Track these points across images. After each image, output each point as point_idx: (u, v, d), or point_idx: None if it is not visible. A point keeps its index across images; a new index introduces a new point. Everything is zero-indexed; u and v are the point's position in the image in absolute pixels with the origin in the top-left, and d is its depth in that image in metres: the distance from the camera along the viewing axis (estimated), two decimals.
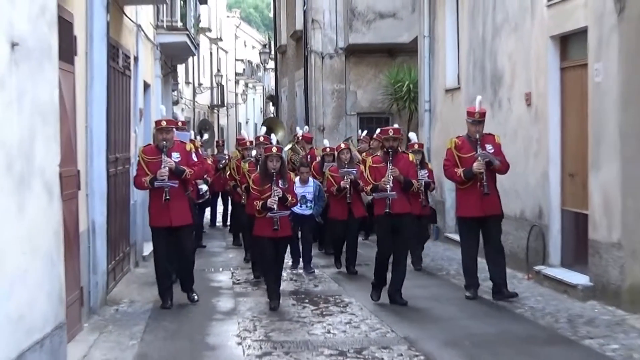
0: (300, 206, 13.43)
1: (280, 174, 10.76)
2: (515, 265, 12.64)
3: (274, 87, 34.79)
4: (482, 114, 11.04)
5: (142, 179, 10.85)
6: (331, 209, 14.15)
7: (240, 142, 15.58)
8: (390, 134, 11.02)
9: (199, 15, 27.32)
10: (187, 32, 19.77)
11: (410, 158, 11.28)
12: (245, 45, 64.39)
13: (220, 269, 14.95)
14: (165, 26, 18.81)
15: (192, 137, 15.46)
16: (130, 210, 13.86)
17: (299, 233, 13.98)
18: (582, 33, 11.17)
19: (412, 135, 13.70)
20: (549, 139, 12.22)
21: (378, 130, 15.67)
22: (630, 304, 9.91)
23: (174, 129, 11.30)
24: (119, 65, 12.86)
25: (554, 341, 9.00)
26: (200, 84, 46.64)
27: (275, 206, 10.61)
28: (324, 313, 10.84)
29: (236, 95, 59.81)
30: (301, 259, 14.20)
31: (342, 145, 14.22)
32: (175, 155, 10.87)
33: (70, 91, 9.28)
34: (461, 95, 16.17)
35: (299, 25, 25.31)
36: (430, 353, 8.57)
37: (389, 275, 11.14)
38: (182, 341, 9.42)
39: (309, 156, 16.63)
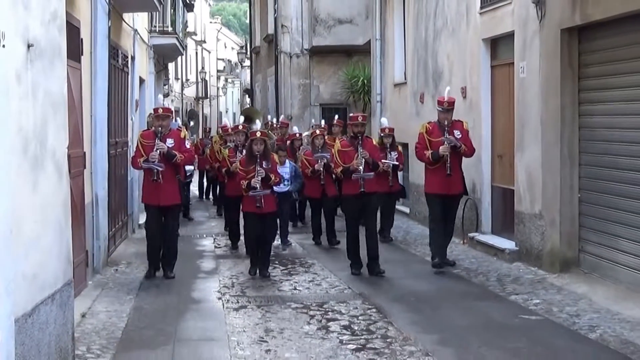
0: (279, 185, 12.85)
1: (263, 156, 10.21)
2: (454, 232, 12.58)
3: (249, 82, 34.58)
4: (451, 103, 10.41)
5: (137, 160, 10.32)
6: (306, 188, 13.47)
7: (223, 129, 15.20)
8: (359, 120, 10.49)
9: (187, 21, 27.05)
10: (176, 36, 19.59)
11: (374, 142, 10.91)
12: (225, 47, 63.94)
13: (204, 235, 14.84)
14: (157, 30, 18.61)
15: (180, 125, 15.01)
16: (128, 186, 13.70)
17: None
18: (509, 36, 11.12)
19: (383, 120, 13.13)
20: (482, 126, 12.16)
21: (337, 117, 15.52)
22: (550, 266, 9.91)
23: (170, 118, 10.76)
24: (118, 63, 12.70)
25: (485, 296, 9.00)
26: (187, 79, 46.26)
27: (258, 185, 10.07)
28: (291, 272, 10.79)
29: (217, 88, 59.51)
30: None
31: (317, 132, 13.42)
32: (170, 141, 10.18)
33: (78, 85, 9.19)
34: (407, 88, 16.05)
35: (270, 30, 25.06)
36: (381, 307, 8.54)
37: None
38: (171, 296, 9.36)
39: (287, 141, 15.71)
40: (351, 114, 11.27)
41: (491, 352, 6.75)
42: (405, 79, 16.36)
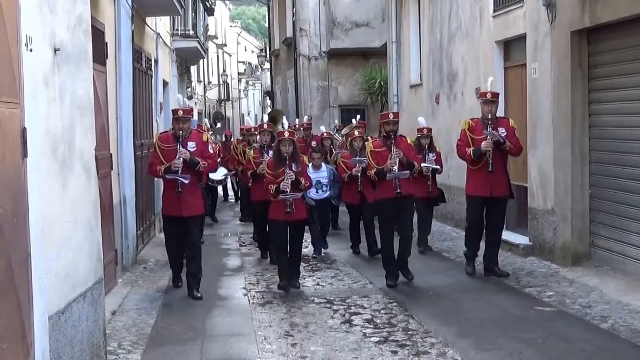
0: (317, 191, 11.72)
1: (292, 158, 9.17)
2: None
3: (269, 84, 34.63)
4: (495, 95, 9.44)
5: (157, 167, 9.03)
6: (344, 193, 12.14)
7: (245, 129, 14.05)
8: (391, 118, 9.44)
9: (207, 25, 27.15)
10: (198, 39, 19.73)
11: (408, 141, 9.71)
12: (245, 50, 64.09)
13: (229, 234, 14.88)
14: (179, 34, 18.75)
15: (199, 123, 14.21)
16: (154, 186, 13.85)
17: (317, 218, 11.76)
18: (521, 38, 11.13)
19: (421, 120, 11.69)
20: None
21: (358, 117, 14.16)
22: (562, 259, 9.95)
23: (191, 119, 9.45)
24: (142, 66, 12.78)
25: (501, 290, 9.04)
26: (209, 82, 46.39)
27: (288, 188, 8.99)
28: (314, 269, 10.86)
29: (239, 91, 59.67)
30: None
31: (356, 133, 11.55)
32: (191, 145, 9.02)
33: (103, 88, 9.25)
34: (423, 89, 16.08)
35: (289, 33, 25.14)
36: (401, 301, 8.64)
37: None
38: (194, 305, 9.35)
39: (313, 142, 14.84)
40: (382, 112, 10.18)
41: (508, 342, 6.82)
42: (420, 80, 16.38)
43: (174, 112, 9.26)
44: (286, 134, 9.28)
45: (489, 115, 9.31)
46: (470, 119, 9.74)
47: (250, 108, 64.03)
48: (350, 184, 11.63)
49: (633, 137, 8.77)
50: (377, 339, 7.13)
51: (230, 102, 54.11)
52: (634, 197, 8.79)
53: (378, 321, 7.80)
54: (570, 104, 9.65)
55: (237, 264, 11.62)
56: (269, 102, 38.12)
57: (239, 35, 61.13)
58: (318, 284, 9.73)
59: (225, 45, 52.34)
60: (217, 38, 46.63)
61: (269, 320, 8.01)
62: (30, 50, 4.63)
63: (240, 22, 65.79)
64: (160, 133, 9.71)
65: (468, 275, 9.77)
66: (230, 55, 57.02)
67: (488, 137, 9.23)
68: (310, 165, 11.09)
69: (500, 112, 12.02)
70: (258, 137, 11.91)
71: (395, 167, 9.17)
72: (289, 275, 9.35)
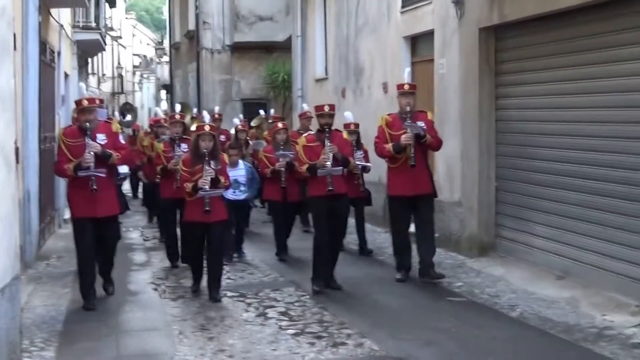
0: (234, 191, 10.44)
1: (212, 155, 8.39)
2: (375, 221, 12.79)
3: (167, 78, 34.27)
4: (412, 86, 9.00)
5: (64, 166, 8.10)
6: (265, 191, 11.33)
7: (154, 121, 13.00)
8: (326, 110, 8.82)
9: (110, 17, 26.64)
10: (100, 31, 19.40)
11: (345, 136, 9.13)
12: (140, 42, 63.09)
13: (131, 229, 14.62)
14: (81, 26, 18.37)
15: (110, 116, 13.75)
16: (55, 180, 13.52)
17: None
18: (429, 34, 11.42)
19: (347, 115, 10.70)
20: None
21: (305, 107, 13.23)
22: (469, 250, 10.25)
23: (97, 109, 8.58)
24: (46, 58, 12.53)
25: (411, 281, 9.20)
26: (103, 74, 45.44)
27: (207, 186, 8.25)
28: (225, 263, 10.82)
29: (133, 84, 58.67)
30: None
31: (280, 125, 11.10)
32: (101, 137, 8.18)
33: None
34: (329, 84, 16.27)
35: (191, 26, 25.00)
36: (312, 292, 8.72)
37: None
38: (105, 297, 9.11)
39: (222, 136, 13.74)
40: (317, 104, 9.44)
41: (423, 332, 7.00)
42: (326, 74, 16.56)
43: (78, 102, 8.37)
44: (207, 128, 8.46)
45: (407, 108, 8.85)
46: (387, 114, 9.30)
47: (144, 101, 63.03)
48: (273, 180, 10.90)
49: (538, 131, 9.13)
50: (294, 331, 7.20)
51: (124, 95, 53.17)
52: (538, 189, 9.16)
53: (293, 314, 7.86)
54: (477, 99, 9.97)
55: (143, 259, 11.48)
56: (163, 95, 37.64)
57: (134, 27, 60.07)
58: (229, 278, 9.69)
59: (120, 37, 51.36)
60: (113, 30, 45.70)
61: (182, 314, 7.97)
62: None
63: (134, 14, 64.61)
64: (65, 128, 8.68)
65: (399, 282, 9.11)
66: (125, 48, 56.00)
67: (408, 130, 8.76)
68: None
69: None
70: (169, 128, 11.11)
71: (328, 163, 8.59)
72: (199, 278, 8.84)
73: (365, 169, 10.76)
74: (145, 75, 62.43)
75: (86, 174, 8.00)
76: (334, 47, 15.78)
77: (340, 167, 8.71)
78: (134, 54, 59.28)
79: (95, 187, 7.97)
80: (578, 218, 8.49)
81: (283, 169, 10.66)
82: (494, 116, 9.98)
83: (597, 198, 8.16)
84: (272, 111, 13.93)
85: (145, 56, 60.80)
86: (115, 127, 8.61)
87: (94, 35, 19.14)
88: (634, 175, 7.58)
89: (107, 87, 47.54)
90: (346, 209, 9.04)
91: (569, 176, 8.61)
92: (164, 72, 44.08)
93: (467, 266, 9.84)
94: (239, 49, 23.12)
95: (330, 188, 8.56)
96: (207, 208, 8.25)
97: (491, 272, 9.43)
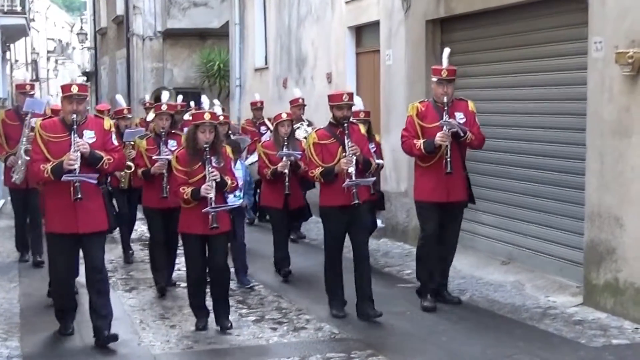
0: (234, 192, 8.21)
1: (213, 149, 7.22)
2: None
3: (88, 65, 34.28)
4: (451, 72, 7.84)
5: (40, 166, 6.83)
6: (264, 196, 9.91)
7: (117, 111, 11.20)
8: (345, 100, 7.56)
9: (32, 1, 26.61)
10: (25, 16, 19.53)
11: (362, 130, 7.88)
12: (55, 25, 62.36)
13: None
14: (5, 10, 18.48)
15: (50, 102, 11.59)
16: None
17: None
18: (374, 25, 12.13)
19: (357, 100, 9.13)
20: None
21: (297, 93, 12.34)
22: (415, 239, 10.77)
23: (85, 98, 7.09)
24: None
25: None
26: (16, 60, 45.00)
27: (212, 193, 7.08)
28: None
29: (48, 70, 57.99)
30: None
31: (283, 116, 9.48)
32: (89, 135, 6.95)
33: None
34: (269, 73, 16.87)
35: (119, 11, 25.18)
36: (268, 283, 9.41)
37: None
38: None
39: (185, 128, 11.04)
40: (332, 93, 8.17)
41: (381, 317, 7.71)
42: (266, 63, 17.15)
43: (65, 88, 6.99)
44: (206, 116, 7.26)
45: (445, 99, 7.75)
46: (419, 102, 8.11)
47: (59, 90, 62.35)
48: (274, 183, 9.44)
49: (482, 122, 9.87)
50: (254, 318, 7.88)
51: (39, 83, 52.64)
52: (482, 178, 9.97)
53: (250, 302, 8.54)
54: (424, 90, 10.72)
55: None
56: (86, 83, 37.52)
57: (47, 9, 59.38)
58: (179, 269, 10.20)
59: (33, 20, 50.85)
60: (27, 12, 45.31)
61: (139, 304, 8.55)
62: None
63: None
64: (43, 119, 7.39)
65: (427, 311, 7.96)
66: (39, 32, 55.38)
67: (445, 127, 7.68)
68: None
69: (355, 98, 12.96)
70: (137, 121, 10.65)
71: (351, 169, 7.42)
72: (225, 312, 7.56)
73: (378, 167, 9.01)
74: (60, 61, 61.78)
75: (72, 179, 6.76)
76: (275, 36, 16.39)
77: (373, 178, 7.90)
78: (49, 38, 58.61)
79: (79, 195, 6.74)
80: (521, 206, 9.38)
81: (287, 170, 9.26)
82: None
83: (538, 186, 9.07)
84: (192, 103, 14.12)
85: (60, 40, 60.15)
86: (108, 123, 7.26)
87: (19, 20, 19.25)
88: (570, 164, 8.52)
89: (20, 74, 47.09)
90: (367, 219, 8.09)
91: (512, 166, 9.50)
92: (84, 58, 43.86)
93: (414, 255, 10.45)
94: (171, 36, 23.48)
95: (356, 201, 7.43)
96: (215, 225, 7.13)
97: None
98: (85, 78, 37.56)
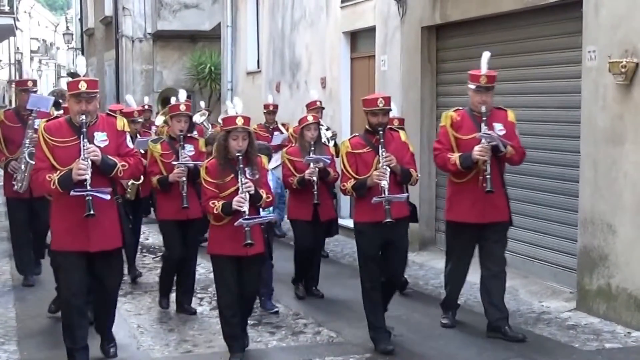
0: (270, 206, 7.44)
1: (248, 159, 6.57)
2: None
3: (76, 65, 34.33)
4: (491, 79, 7.21)
5: (46, 176, 6.17)
6: (290, 207, 9.21)
7: (125, 113, 9.85)
8: (380, 105, 6.93)
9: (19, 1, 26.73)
10: (14, 16, 19.70)
11: (403, 138, 7.28)
12: (39, 25, 62.50)
13: None
14: None
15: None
16: None
17: None
18: (370, 30, 12.41)
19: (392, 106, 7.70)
20: (341, 115, 13.45)
21: (314, 95, 11.53)
22: (410, 245, 11.18)
23: (95, 96, 6.28)
24: None
25: (355, 275, 9.86)
26: (0, 60, 45.23)
27: (245, 207, 6.44)
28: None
29: (32, 71, 57.99)
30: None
31: (310, 119, 8.89)
32: (101, 137, 6.31)
33: None
34: (262, 77, 17.13)
35: (108, 12, 25.39)
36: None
37: None
38: (52, 286, 9.70)
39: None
40: (365, 97, 7.34)
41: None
42: (259, 67, 17.42)
43: (72, 85, 6.26)
44: (239, 121, 6.55)
45: (483, 108, 7.17)
46: (454, 110, 7.50)
47: (43, 90, 62.42)
48: (300, 193, 8.86)
49: None
50: (252, 322, 8.06)
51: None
52: None
53: None
54: (419, 96, 11.07)
55: None
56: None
57: (32, 8, 59.50)
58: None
59: (18, 20, 50.99)
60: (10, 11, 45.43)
61: (136, 309, 8.79)
62: None
63: None
64: (47, 120, 6.56)
65: (445, 327, 7.81)
66: (22, 31, 55.51)
67: (483, 141, 7.08)
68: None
69: (346, 103, 13.29)
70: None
71: (385, 183, 6.80)
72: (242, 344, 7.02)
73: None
74: (44, 62, 61.90)
75: (81, 194, 6.11)
76: (268, 40, 16.64)
77: (407, 194, 7.19)
78: (32, 38, 58.74)
79: (92, 211, 6.11)
80: (516, 212, 9.59)
81: (315, 178, 8.70)
82: (435, 113, 11.08)
83: (533, 193, 9.38)
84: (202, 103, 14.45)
85: (44, 40, 60.30)
86: (122, 123, 6.58)
87: (7, 20, 19.43)
88: (564, 171, 8.85)
89: (4, 74, 47.18)
90: (405, 239, 7.38)
91: (507, 172, 9.72)
92: (69, 59, 44.07)
93: (409, 260, 10.78)
94: (161, 38, 23.69)
95: (389, 219, 6.77)
96: (249, 241, 6.45)
97: (434, 265, 10.54)
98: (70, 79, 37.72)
